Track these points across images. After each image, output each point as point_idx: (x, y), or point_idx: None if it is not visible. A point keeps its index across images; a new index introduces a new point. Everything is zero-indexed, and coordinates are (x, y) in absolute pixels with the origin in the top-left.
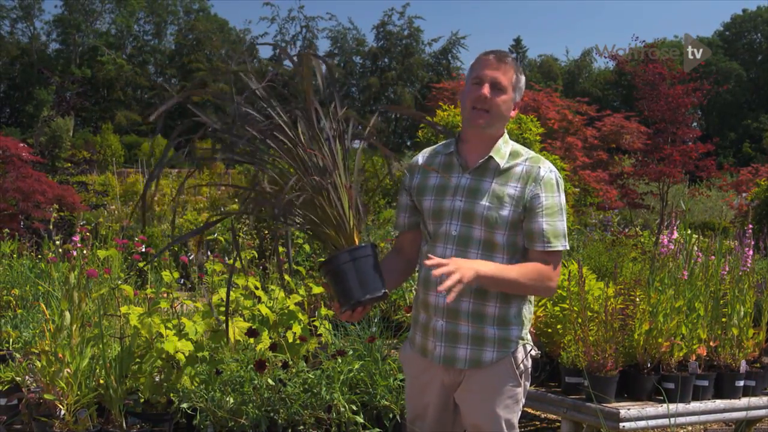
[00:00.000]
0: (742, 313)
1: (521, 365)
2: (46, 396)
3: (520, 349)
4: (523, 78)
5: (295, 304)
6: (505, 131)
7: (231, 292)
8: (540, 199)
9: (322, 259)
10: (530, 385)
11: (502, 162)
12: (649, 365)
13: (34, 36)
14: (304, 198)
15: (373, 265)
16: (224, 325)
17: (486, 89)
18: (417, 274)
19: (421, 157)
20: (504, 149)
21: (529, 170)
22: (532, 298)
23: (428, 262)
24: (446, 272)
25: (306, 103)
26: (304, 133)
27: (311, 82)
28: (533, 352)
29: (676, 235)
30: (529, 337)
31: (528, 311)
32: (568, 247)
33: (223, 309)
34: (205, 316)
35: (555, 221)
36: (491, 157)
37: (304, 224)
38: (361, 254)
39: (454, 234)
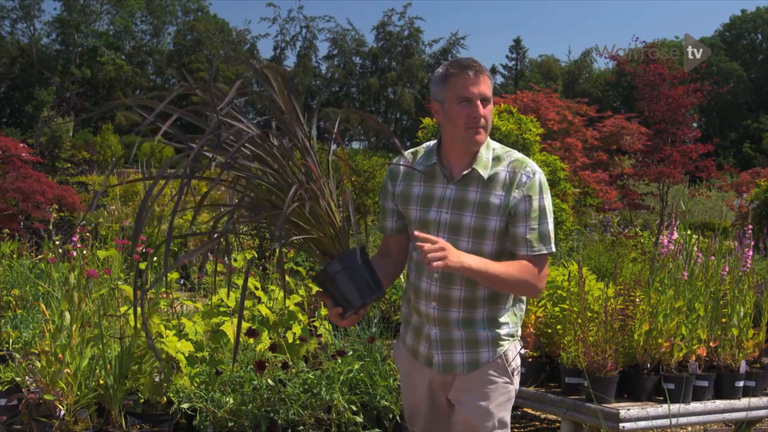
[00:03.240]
0: (742, 313)
1: (512, 363)
2: (46, 396)
3: (511, 347)
4: (492, 78)
5: (295, 304)
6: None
7: (230, 293)
8: (524, 205)
9: (314, 272)
10: (531, 386)
11: (486, 172)
12: (649, 366)
13: (34, 37)
14: (294, 210)
15: (366, 267)
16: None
17: (480, 109)
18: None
19: (402, 164)
20: (486, 156)
21: (512, 177)
22: (524, 297)
23: (418, 235)
24: (434, 250)
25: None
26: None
27: (287, 96)
28: (522, 350)
29: (676, 235)
30: (519, 332)
31: (519, 309)
32: (554, 249)
33: (222, 309)
34: (205, 316)
35: (539, 225)
36: (474, 168)
37: (291, 235)
38: (352, 259)
39: None
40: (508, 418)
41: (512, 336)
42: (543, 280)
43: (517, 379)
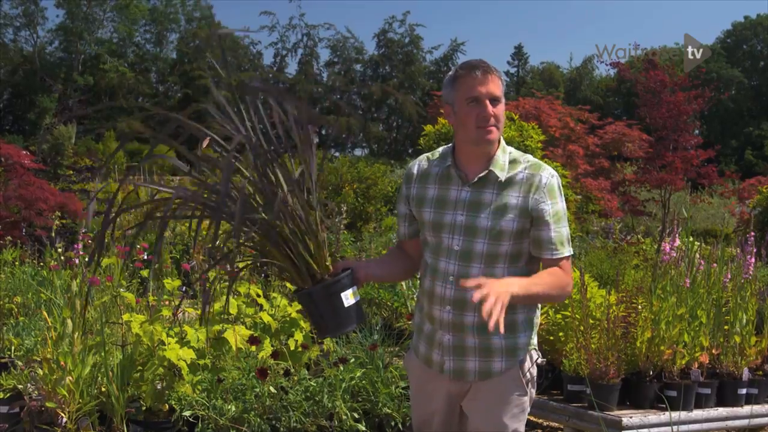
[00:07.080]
0: (744, 320)
1: (528, 374)
2: (47, 404)
3: (528, 357)
4: (503, 78)
5: (297, 311)
6: (502, 138)
7: (232, 300)
8: (546, 207)
9: (296, 289)
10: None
11: (503, 174)
12: (651, 373)
13: (37, 44)
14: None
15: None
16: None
17: (489, 108)
18: (419, 281)
19: (416, 167)
20: (502, 159)
21: (530, 178)
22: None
23: (466, 284)
24: (483, 297)
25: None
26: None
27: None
28: (539, 360)
29: (678, 242)
30: (535, 342)
31: (536, 317)
32: (572, 252)
33: (224, 317)
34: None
35: (560, 228)
36: (491, 170)
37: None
38: (335, 289)
39: (457, 249)
40: (521, 429)
41: (529, 345)
42: (572, 281)
43: (532, 390)
